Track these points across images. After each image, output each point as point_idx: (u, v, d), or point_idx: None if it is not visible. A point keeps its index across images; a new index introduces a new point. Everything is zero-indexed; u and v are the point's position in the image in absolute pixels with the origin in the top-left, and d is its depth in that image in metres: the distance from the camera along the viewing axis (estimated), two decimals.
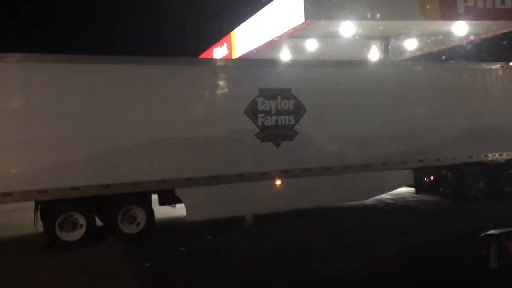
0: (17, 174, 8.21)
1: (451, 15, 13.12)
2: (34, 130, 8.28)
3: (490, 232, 5.53)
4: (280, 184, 10.14)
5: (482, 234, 5.58)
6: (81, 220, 8.74)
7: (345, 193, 10.80)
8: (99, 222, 9.16)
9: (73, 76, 8.61)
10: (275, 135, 10.07)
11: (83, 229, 8.73)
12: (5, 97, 8.28)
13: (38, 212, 8.77)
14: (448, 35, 14.65)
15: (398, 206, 11.86)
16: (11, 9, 31.35)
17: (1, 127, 8.10)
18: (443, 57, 16.56)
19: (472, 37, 15.02)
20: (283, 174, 10.13)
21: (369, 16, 12.53)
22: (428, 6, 12.66)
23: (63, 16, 32.71)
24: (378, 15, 12.34)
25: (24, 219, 9.40)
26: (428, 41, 15.52)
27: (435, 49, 16.69)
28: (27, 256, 8.21)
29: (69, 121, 8.50)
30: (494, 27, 14.29)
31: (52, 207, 8.63)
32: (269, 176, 10.03)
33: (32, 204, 8.76)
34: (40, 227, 8.67)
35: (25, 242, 9.07)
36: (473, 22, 13.48)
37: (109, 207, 9.04)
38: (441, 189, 12.49)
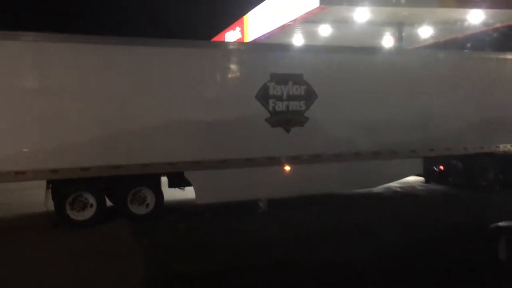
0: (30, 153, 8.29)
1: (467, 2, 12.96)
2: (47, 109, 8.33)
3: (500, 224, 5.50)
4: (289, 170, 10.15)
5: (491, 226, 5.56)
6: (91, 200, 8.83)
7: (354, 180, 10.77)
8: (109, 203, 9.25)
9: (87, 57, 8.62)
10: (285, 120, 10.05)
11: (93, 209, 8.82)
12: (19, 76, 8.32)
13: (50, 191, 8.87)
14: (463, 23, 14.48)
15: (407, 195, 11.83)
16: None
17: (15, 106, 8.16)
18: (458, 46, 16.36)
19: (488, 26, 14.82)
20: (292, 160, 10.12)
21: (383, 2, 12.40)
22: None
23: None
24: (393, 1, 12.21)
25: (37, 197, 9.51)
26: (443, 28, 15.36)
27: (450, 37, 16.52)
28: (37, 234, 8.33)
29: (82, 101, 8.53)
30: (511, 16, 14.08)
31: (63, 187, 8.72)
32: (278, 162, 10.03)
33: (44, 183, 8.87)
34: (51, 206, 8.78)
35: (36, 221, 9.19)
36: (489, 10, 13.29)
37: (119, 187, 9.13)
38: (450, 179, 12.42)
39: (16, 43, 8.25)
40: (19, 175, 8.22)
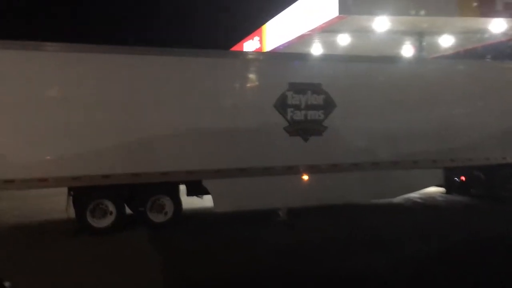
0: (52, 161, 8.44)
1: (489, 11, 12.81)
2: (69, 118, 8.47)
3: None
4: (307, 179, 10.11)
5: None
6: (111, 207, 8.92)
7: (373, 190, 10.67)
8: (128, 210, 9.34)
9: (110, 66, 8.78)
10: (303, 129, 10.03)
11: (113, 216, 8.91)
12: (44, 85, 8.50)
13: (71, 198, 9.00)
14: (485, 32, 14.32)
15: (427, 206, 11.66)
16: None
17: (38, 115, 8.33)
18: (477, 56, 16.16)
19: (508, 36, 14.63)
20: (310, 169, 10.08)
21: (404, 11, 12.34)
22: (466, 3, 12.39)
23: (95, 5, 33.34)
24: (413, 11, 12.15)
25: (58, 204, 9.65)
26: (463, 38, 15.20)
27: (470, 47, 16.32)
28: (58, 241, 8.44)
29: (103, 110, 8.67)
30: None
31: (84, 194, 8.86)
32: (296, 171, 10.00)
33: (65, 190, 9.00)
34: (72, 212, 8.91)
35: (57, 227, 9.32)
36: (510, 19, 13.13)
37: (138, 195, 9.22)
38: (472, 190, 12.22)
39: (40, 53, 8.47)
40: (41, 182, 8.38)
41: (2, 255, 7.23)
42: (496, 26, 13.64)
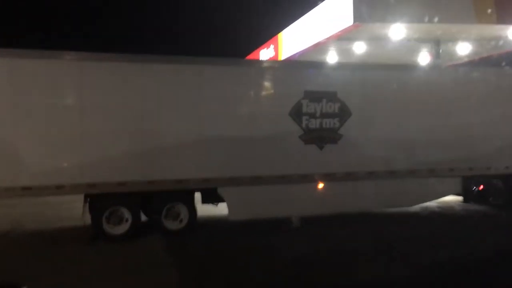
0: (69, 168, 8.56)
1: (507, 19, 12.64)
2: (86, 126, 8.60)
3: None
4: (323, 187, 10.07)
5: None
6: (127, 214, 8.99)
7: (389, 199, 10.57)
8: (144, 217, 9.39)
9: (126, 75, 8.88)
10: (319, 137, 10.00)
11: (129, 223, 8.98)
12: (60, 94, 8.65)
13: (87, 205, 9.09)
14: (503, 39, 14.13)
15: (445, 215, 11.49)
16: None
17: (56, 123, 8.47)
18: (497, 63, 15.93)
19: None
20: (326, 177, 10.04)
21: (420, 18, 12.24)
22: (483, 9, 12.24)
23: (114, 14, 33.87)
24: (429, 18, 12.03)
25: (76, 211, 9.76)
26: (481, 45, 15.00)
27: (487, 54, 16.10)
28: (73, 247, 8.51)
29: (119, 118, 8.77)
30: None
31: (100, 201, 8.94)
32: (312, 179, 9.97)
33: (81, 197, 9.10)
34: (88, 219, 8.99)
35: (73, 233, 9.41)
36: None
37: (153, 203, 9.27)
38: (491, 199, 12.01)
39: (57, 62, 8.60)
40: (58, 189, 8.49)
41: (20, 260, 7.35)
42: None
